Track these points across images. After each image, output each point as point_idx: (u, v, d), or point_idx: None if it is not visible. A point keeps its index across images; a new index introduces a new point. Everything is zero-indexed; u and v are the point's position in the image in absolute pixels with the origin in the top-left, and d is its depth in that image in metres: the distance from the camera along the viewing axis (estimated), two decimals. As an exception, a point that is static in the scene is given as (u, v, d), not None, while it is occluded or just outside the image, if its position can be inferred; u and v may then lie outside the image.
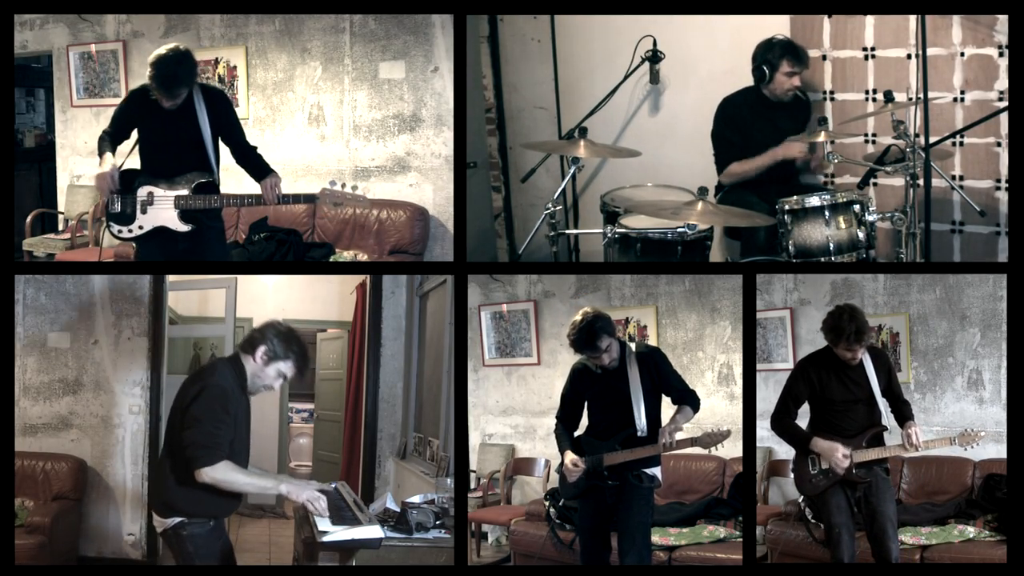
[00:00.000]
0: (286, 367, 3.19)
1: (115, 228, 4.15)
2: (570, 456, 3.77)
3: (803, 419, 3.86)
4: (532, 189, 5.97)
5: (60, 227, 7.04)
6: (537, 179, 5.57)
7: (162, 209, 4.10)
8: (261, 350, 3.16)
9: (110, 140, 4.13)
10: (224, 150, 4.25)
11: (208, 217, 4.17)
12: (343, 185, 4.17)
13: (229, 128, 4.23)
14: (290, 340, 3.21)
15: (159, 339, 5.57)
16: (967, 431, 3.72)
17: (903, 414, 3.77)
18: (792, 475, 3.89)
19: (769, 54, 4.70)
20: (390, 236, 5.81)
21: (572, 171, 4.56)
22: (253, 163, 4.25)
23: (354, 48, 6.11)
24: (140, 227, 4.12)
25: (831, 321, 3.65)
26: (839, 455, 3.64)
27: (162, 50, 3.99)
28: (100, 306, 5.55)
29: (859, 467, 3.67)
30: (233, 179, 4.38)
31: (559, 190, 4.51)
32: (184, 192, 4.09)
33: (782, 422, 3.81)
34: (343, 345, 7.54)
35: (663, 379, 3.77)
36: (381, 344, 5.76)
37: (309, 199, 4.18)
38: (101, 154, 4.12)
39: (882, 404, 3.75)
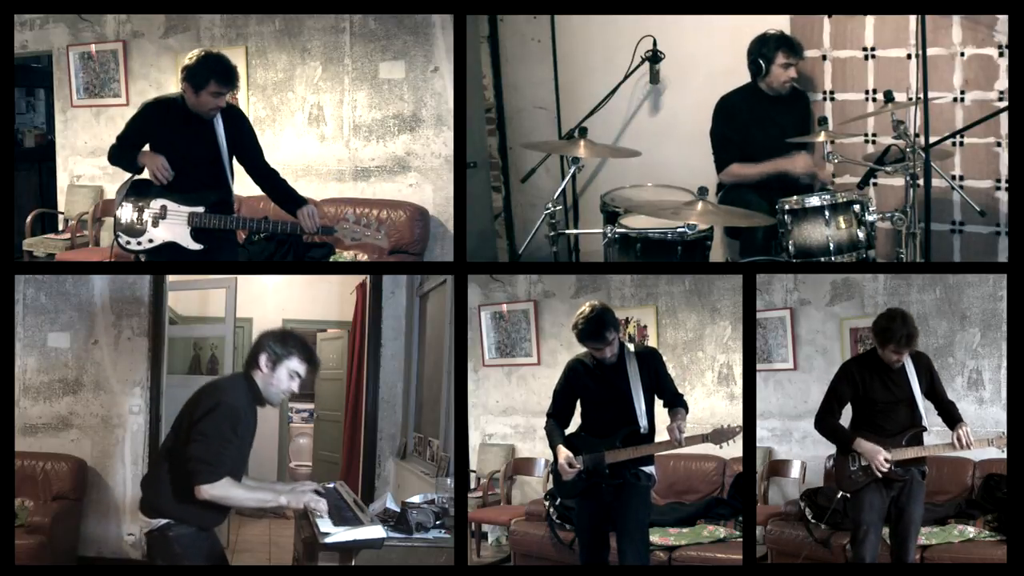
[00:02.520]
0: (293, 364, 3.18)
1: (123, 239, 4.05)
2: (564, 453, 3.73)
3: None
4: (532, 189, 5.97)
5: (60, 227, 7.04)
6: (537, 179, 5.57)
7: (175, 224, 4.00)
8: (263, 358, 3.17)
9: (125, 149, 4.04)
10: (239, 168, 4.20)
11: (221, 231, 4.07)
12: (359, 221, 4.10)
13: (247, 148, 4.14)
14: (286, 338, 3.22)
15: (159, 339, 5.57)
16: (1003, 435, 3.77)
17: (952, 415, 3.82)
18: (832, 470, 3.92)
19: (764, 48, 4.73)
20: (390, 236, 5.81)
21: (572, 171, 4.56)
22: (282, 190, 4.17)
23: (354, 48, 6.11)
24: (150, 240, 4.01)
25: (883, 323, 3.71)
26: (880, 458, 3.69)
27: (200, 51, 3.93)
28: (100, 306, 5.55)
29: (897, 466, 3.71)
30: (242, 188, 4.35)
31: (559, 190, 4.51)
32: (199, 209, 4.00)
33: (826, 421, 3.86)
34: (343, 345, 7.53)
35: (660, 381, 3.78)
36: (381, 344, 5.76)
37: (327, 231, 4.11)
38: (129, 161, 4.01)
39: (923, 406, 3.78)
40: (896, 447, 3.73)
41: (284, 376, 3.18)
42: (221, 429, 3.02)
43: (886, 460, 3.69)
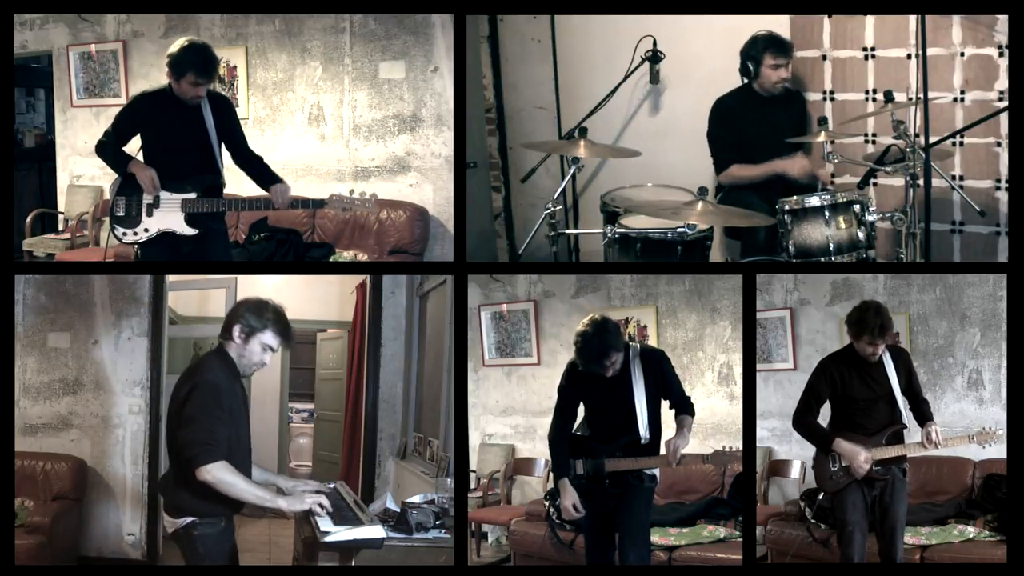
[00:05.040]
0: (266, 337, 3.12)
1: (119, 231, 4.11)
2: (572, 496, 3.67)
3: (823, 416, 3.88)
4: (532, 189, 5.97)
5: (60, 227, 7.04)
6: (537, 179, 5.57)
7: (168, 212, 4.07)
8: (236, 329, 3.11)
9: (114, 146, 4.10)
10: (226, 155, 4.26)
11: (213, 220, 4.16)
12: (351, 191, 4.17)
13: (233, 135, 4.24)
14: (261, 309, 3.14)
15: (159, 339, 5.57)
16: (985, 430, 3.74)
17: (922, 413, 3.79)
18: (812, 471, 3.91)
19: (752, 50, 4.75)
20: (390, 236, 5.81)
21: (572, 171, 4.56)
22: (260, 172, 4.25)
23: (354, 48, 6.11)
24: (146, 230, 4.09)
25: (856, 315, 3.69)
26: (861, 459, 3.66)
27: (184, 41, 4.00)
28: (100, 306, 5.55)
29: (878, 464, 3.69)
30: (235, 180, 4.38)
31: (559, 190, 4.51)
32: (191, 195, 4.08)
33: (804, 420, 3.83)
34: (343, 345, 7.54)
35: (666, 383, 3.73)
36: (381, 344, 5.76)
37: (318, 204, 4.18)
38: (117, 161, 4.08)
39: (903, 402, 3.76)
40: (876, 446, 3.70)
41: (257, 349, 3.13)
42: (206, 406, 2.97)
43: (866, 460, 3.66)
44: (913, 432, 3.82)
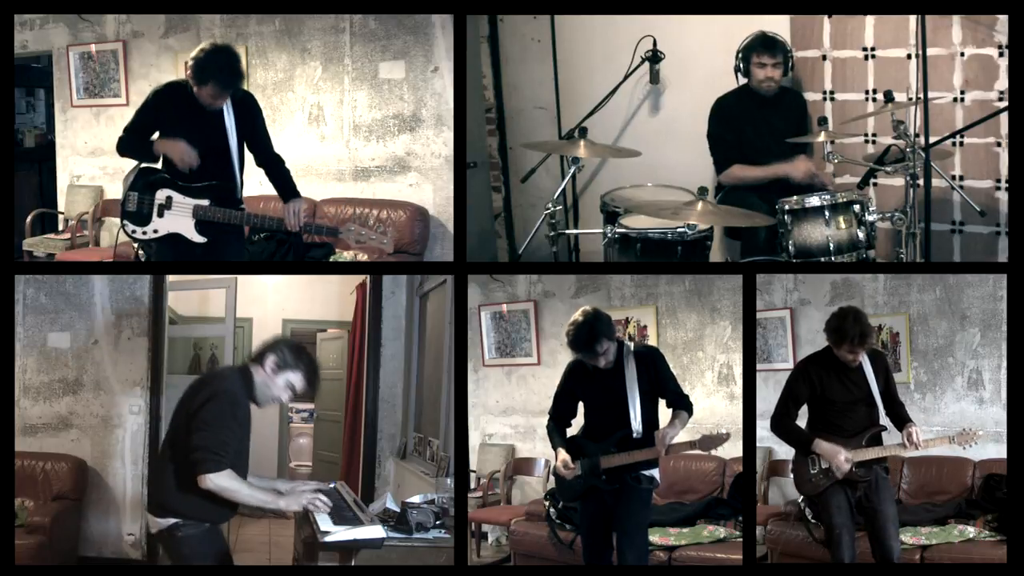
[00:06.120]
0: (295, 377, 3.22)
1: (130, 227, 4.00)
2: (563, 455, 3.73)
3: (801, 418, 3.86)
4: (532, 189, 5.98)
5: (60, 227, 7.04)
6: (537, 179, 5.57)
7: (179, 216, 3.97)
8: (271, 359, 3.19)
9: (139, 137, 3.97)
10: (248, 157, 4.16)
11: (226, 229, 4.03)
12: (363, 225, 4.13)
13: (256, 134, 4.12)
14: (300, 352, 3.26)
15: (159, 339, 5.57)
16: (965, 430, 3.73)
17: (900, 416, 3.78)
18: (791, 475, 3.90)
19: (743, 51, 4.77)
20: (392, 238, 5.80)
21: (572, 171, 4.57)
22: (280, 179, 4.15)
23: (354, 48, 6.11)
24: (155, 231, 3.98)
25: (835, 322, 3.65)
26: (841, 458, 3.65)
27: (209, 45, 3.89)
28: (100, 306, 5.55)
29: (859, 466, 3.67)
30: (250, 182, 4.32)
31: (559, 190, 4.52)
32: (204, 202, 3.97)
33: (783, 423, 3.80)
34: (343, 345, 7.54)
35: (660, 380, 3.75)
36: (381, 344, 5.76)
37: (331, 232, 4.10)
38: (143, 149, 3.94)
39: (882, 405, 3.75)
40: (856, 447, 3.68)
41: (282, 384, 3.21)
42: (223, 416, 3.03)
43: (847, 460, 3.65)
44: (891, 434, 3.81)
